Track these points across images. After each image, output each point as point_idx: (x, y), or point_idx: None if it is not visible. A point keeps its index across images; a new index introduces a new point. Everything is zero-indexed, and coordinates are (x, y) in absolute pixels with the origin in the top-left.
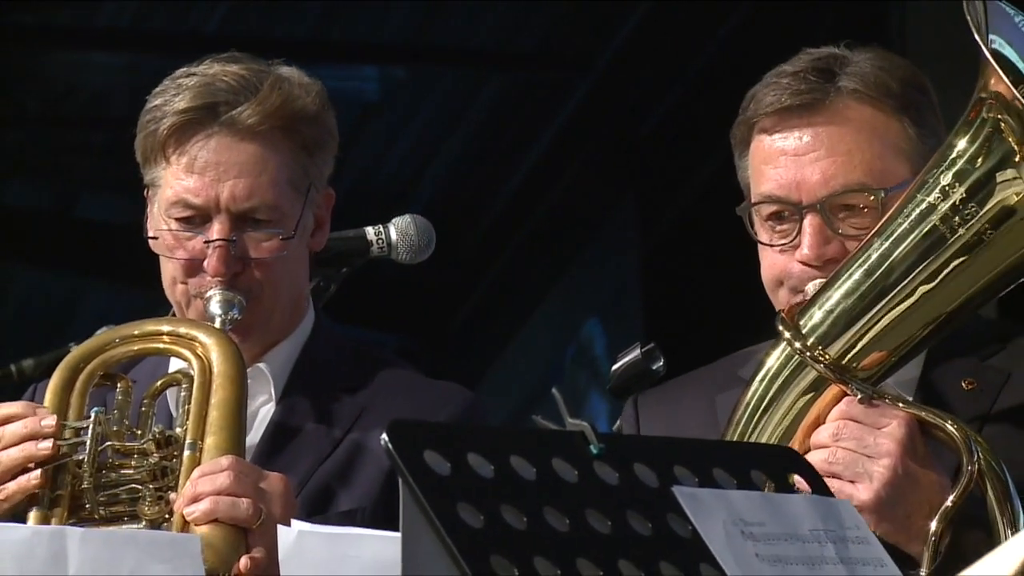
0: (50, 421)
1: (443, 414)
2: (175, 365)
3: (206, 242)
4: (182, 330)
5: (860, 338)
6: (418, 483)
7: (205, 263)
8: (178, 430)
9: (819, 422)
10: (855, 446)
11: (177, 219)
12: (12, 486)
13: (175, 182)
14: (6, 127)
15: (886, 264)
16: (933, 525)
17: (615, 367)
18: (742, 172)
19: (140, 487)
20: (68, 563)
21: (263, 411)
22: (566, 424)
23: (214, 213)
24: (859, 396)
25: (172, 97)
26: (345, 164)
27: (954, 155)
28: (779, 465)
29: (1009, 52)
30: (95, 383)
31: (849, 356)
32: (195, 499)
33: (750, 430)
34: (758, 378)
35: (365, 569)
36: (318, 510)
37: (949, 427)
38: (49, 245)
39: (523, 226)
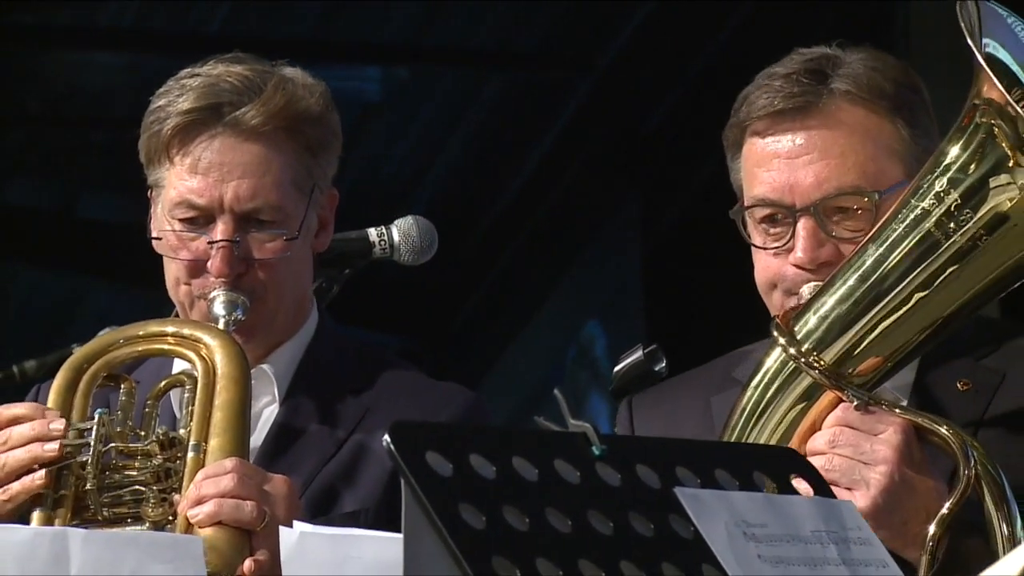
0: (58, 424)
1: (446, 415)
2: (178, 366)
3: (210, 243)
4: (186, 331)
5: (855, 344)
6: (420, 484)
7: (209, 264)
8: (182, 431)
9: (815, 428)
10: (851, 453)
11: (181, 220)
12: (16, 486)
13: (179, 183)
14: (7, 127)
15: (881, 269)
16: (931, 531)
17: (617, 368)
18: (735, 174)
19: (144, 489)
20: (70, 564)
21: (267, 412)
22: (568, 425)
23: (218, 214)
24: (855, 403)
25: (176, 98)
26: (346, 164)
27: (948, 161)
28: (781, 466)
29: (1003, 55)
30: (99, 384)
31: (844, 362)
32: (199, 502)
33: (745, 436)
34: (753, 384)
35: (367, 570)
36: (322, 511)
37: (945, 432)
38: (50, 245)
39: (524, 227)
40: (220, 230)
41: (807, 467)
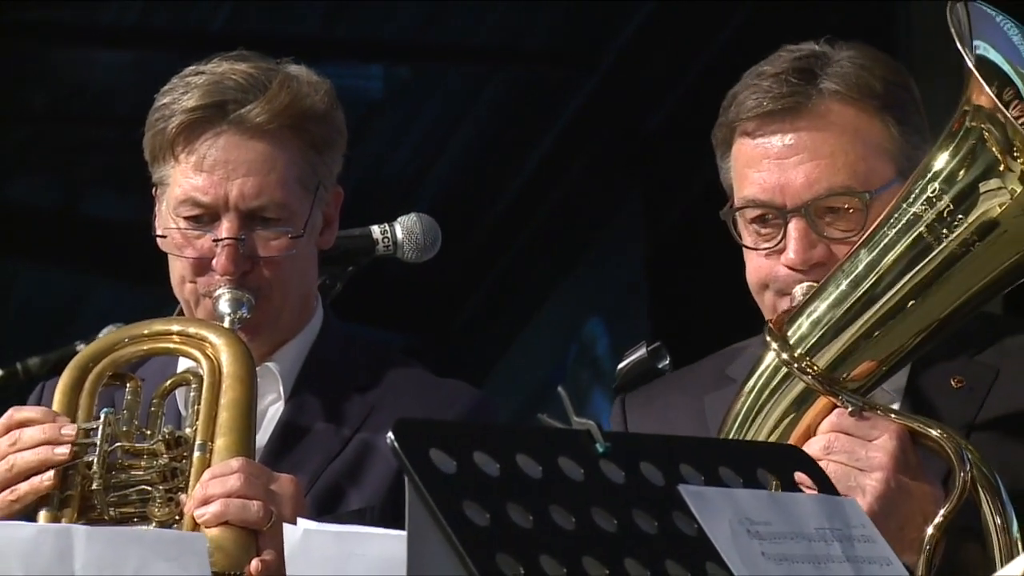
0: (70, 429)
1: (452, 413)
2: (183, 364)
3: (215, 241)
4: (192, 330)
5: (848, 349)
6: (424, 481)
7: (214, 262)
8: (187, 430)
9: (809, 433)
10: (847, 459)
11: (186, 217)
12: (24, 487)
13: (184, 180)
14: (12, 124)
15: (872, 274)
16: (927, 535)
17: (621, 366)
18: (724, 174)
19: (150, 488)
20: (74, 561)
21: (272, 410)
22: (572, 423)
23: (223, 211)
24: (849, 408)
25: (181, 95)
26: (349, 162)
27: (939, 166)
28: (785, 464)
29: (994, 55)
30: (104, 383)
31: (838, 367)
32: (205, 501)
33: None
34: (746, 389)
35: (371, 567)
36: (328, 509)
37: (940, 437)
38: (53, 242)
39: (527, 225)
40: (225, 228)
41: (811, 464)
